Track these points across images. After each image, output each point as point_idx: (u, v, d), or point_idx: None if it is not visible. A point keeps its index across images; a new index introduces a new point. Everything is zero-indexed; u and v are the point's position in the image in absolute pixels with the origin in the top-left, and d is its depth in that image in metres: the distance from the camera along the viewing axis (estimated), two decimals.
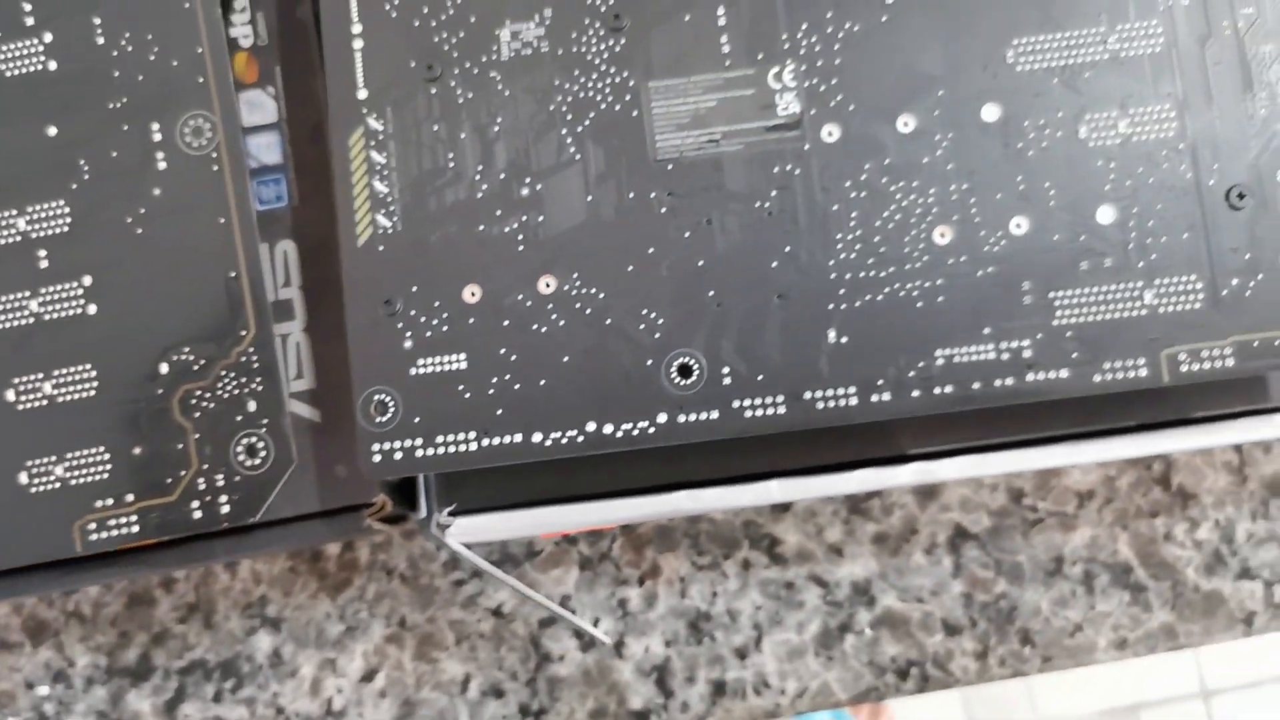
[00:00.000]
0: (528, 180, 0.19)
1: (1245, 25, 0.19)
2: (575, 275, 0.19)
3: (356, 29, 0.20)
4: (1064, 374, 0.18)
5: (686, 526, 0.24)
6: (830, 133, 0.19)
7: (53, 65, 0.20)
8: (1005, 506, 0.25)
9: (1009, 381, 0.18)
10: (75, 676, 0.24)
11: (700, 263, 0.19)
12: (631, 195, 0.19)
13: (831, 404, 0.18)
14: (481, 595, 0.24)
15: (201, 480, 0.19)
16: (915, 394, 0.18)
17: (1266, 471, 0.25)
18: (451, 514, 0.20)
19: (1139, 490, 0.25)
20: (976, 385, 0.18)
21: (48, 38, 0.20)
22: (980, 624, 0.24)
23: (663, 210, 0.19)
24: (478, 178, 0.19)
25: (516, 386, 0.19)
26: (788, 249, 0.19)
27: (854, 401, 0.18)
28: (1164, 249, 0.18)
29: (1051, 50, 0.19)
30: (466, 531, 0.20)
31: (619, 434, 0.18)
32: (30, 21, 0.20)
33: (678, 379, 0.19)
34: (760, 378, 0.18)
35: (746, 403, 0.18)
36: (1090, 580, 0.24)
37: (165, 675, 0.24)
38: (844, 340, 0.18)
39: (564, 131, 0.19)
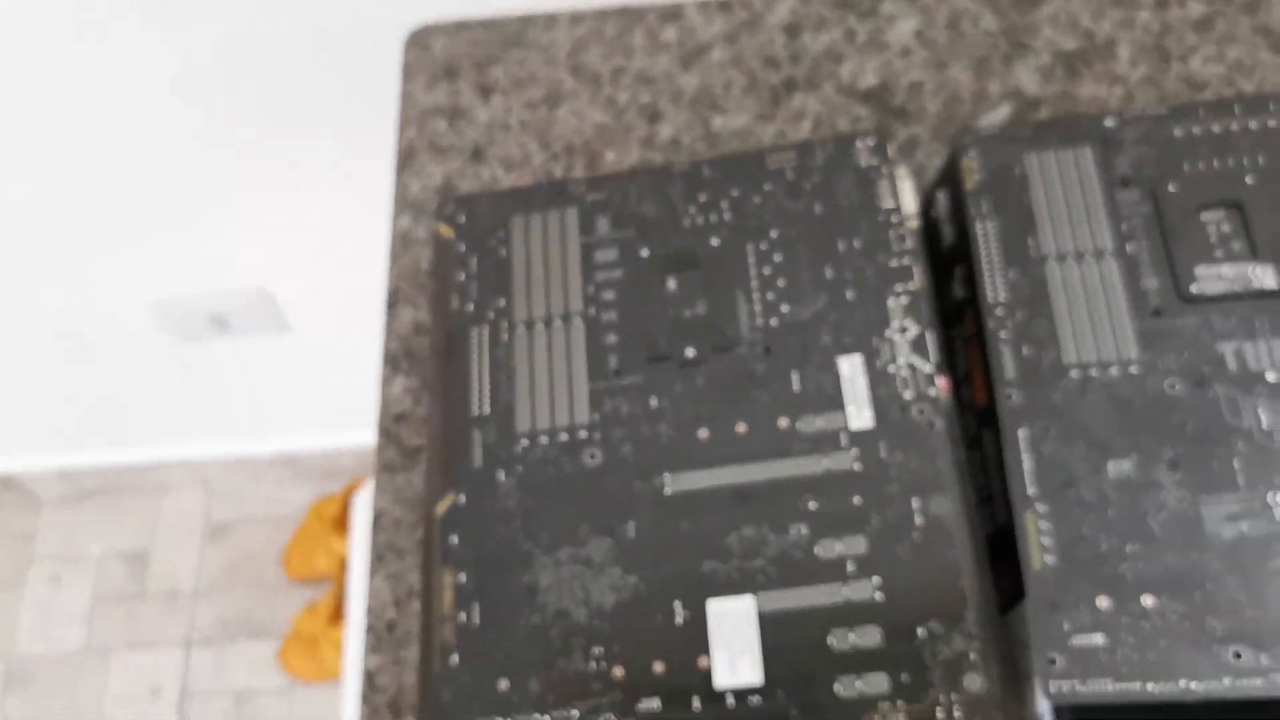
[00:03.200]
0: (1131, 543, 0.34)
1: None
2: (1165, 595, 0.34)
3: (1027, 461, 0.36)
4: None
5: None
6: None
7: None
8: None
9: None
10: None
11: (1240, 595, 0.33)
12: (1192, 556, 0.34)
13: None
14: None
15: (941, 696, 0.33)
16: None
17: None
18: None
19: None
20: None
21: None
22: None
23: (1215, 565, 0.34)
24: (1100, 541, 0.35)
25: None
26: None
27: None
28: None
29: None
30: None
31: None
32: None
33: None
34: None
35: None
36: None
37: None
38: None
39: (1149, 520, 0.35)
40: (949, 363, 0.42)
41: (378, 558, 0.43)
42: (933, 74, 0.52)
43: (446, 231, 0.44)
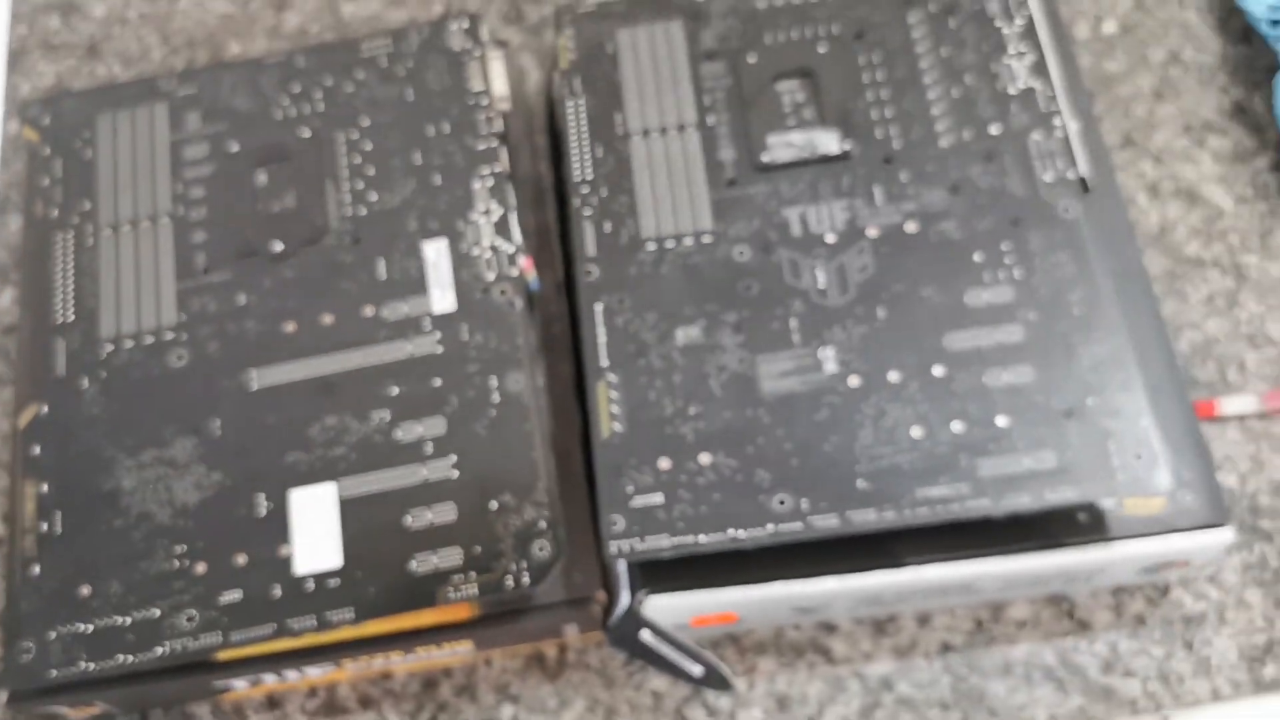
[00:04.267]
0: (694, 406, 0.36)
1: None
2: (721, 452, 0.35)
3: (600, 334, 0.37)
4: (987, 501, 0.34)
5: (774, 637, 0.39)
6: (853, 380, 0.36)
7: None
8: (973, 628, 0.39)
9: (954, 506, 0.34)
10: None
11: (786, 446, 0.35)
12: (747, 412, 0.36)
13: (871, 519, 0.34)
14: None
15: (513, 565, 0.35)
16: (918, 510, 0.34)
17: (1133, 610, 0.40)
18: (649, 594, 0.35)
19: (1056, 620, 0.39)
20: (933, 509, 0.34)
21: None
22: (961, 704, 0.38)
23: (766, 420, 0.36)
24: (666, 405, 0.36)
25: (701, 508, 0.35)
26: (833, 437, 0.35)
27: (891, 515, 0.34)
28: (1034, 438, 0.35)
29: (968, 342, 0.36)
30: (668, 609, 0.35)
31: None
32: None
33: (778, 505, 0.35)
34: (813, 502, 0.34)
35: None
36: (1030, 674, 0.39)
37: None
38: (869, 485, 0.35)
39: (711, 383, 0.36)
40: (564, 241, 0.43)
41: None
42: None
43: (31, 134, 0.42)
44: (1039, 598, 0.40)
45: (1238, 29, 0.49)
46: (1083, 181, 0.38)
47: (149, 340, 0.38)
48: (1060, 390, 0.36)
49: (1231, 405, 0.43)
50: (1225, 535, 0.36)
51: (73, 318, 0.39)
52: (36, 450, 0.37)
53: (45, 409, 0.38)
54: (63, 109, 0.42)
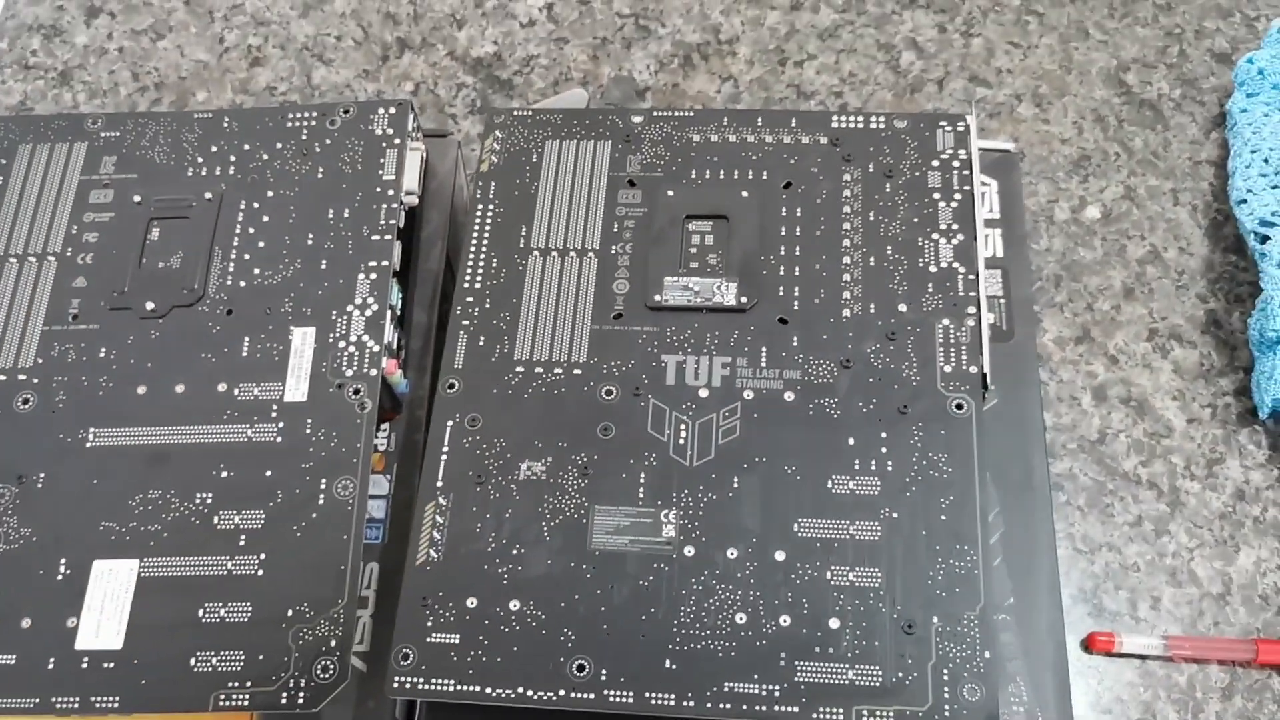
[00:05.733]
0: (518, 547, 0.34)
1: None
2: (532, 602, 0.33)
3: (444, 453, 0.36)
4: (795, 709, 0.31)
5: None
6: (689, 550, 0.34)
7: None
8: None
9: (763, 708, 0.31)
10: None
11: (601, 608, 0.33)
12: (571, 564, 0.34)
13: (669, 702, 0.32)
14: None
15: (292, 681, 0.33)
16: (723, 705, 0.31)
17: None
18: None
19: None
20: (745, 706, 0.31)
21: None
22: None
23: (588, 575, 0.33)
24: (490, 541, 0.34)
25: (496, 658, 0.32)
26: (652, 609, 0.33)
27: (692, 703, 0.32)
28: (864, 649, 0.32)
29: (819, 531, 0.34)
30: None
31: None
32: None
33: (577, 673, 0.32)
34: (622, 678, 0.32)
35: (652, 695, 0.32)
36: None
37: None
38: (676, 667, 0.32)
39: (542, 525, 0.34)
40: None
41: None
42: (550, 49, 0.51)
43: None
44: None
45: (1229, 237, 0.46)
46: (984, 378, 0.36)
47: None
48: (906, 602, 0.33)
49: (1133, 643, 0.39)
50: None
51: None
52: None
53: None
54: None
